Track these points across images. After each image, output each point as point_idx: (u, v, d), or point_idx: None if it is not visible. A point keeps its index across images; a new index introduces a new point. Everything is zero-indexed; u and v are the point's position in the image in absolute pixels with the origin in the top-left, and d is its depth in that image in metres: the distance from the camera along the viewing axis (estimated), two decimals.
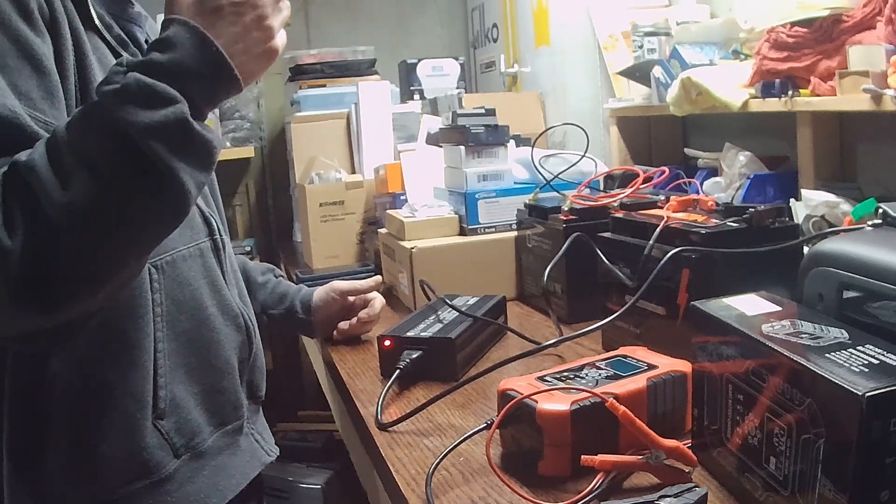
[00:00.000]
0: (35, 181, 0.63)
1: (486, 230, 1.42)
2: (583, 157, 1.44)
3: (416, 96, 2.36)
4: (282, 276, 1.26)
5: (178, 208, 0.68)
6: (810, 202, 1.22)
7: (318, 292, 1.22)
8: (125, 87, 0.65)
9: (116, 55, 0.82)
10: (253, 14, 0.72)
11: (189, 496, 0.84)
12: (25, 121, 0.68)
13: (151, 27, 0.94)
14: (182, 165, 0.66)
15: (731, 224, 0.92)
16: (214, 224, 0.92)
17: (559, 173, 1.40)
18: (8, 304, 0.64)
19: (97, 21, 0.80)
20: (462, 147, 1.43)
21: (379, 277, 1.27)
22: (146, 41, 0.90)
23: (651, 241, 0.95)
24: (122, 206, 0.65)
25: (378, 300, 1.24)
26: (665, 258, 0.90)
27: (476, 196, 1.42)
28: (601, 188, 1.46)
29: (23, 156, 0.65)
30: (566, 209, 1.27)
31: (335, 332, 1.23)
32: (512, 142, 1.55)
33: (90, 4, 0.79)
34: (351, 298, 1.23)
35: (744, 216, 0.92)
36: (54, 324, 0.70)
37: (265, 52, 0.74)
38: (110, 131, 0.64)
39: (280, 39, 0.76)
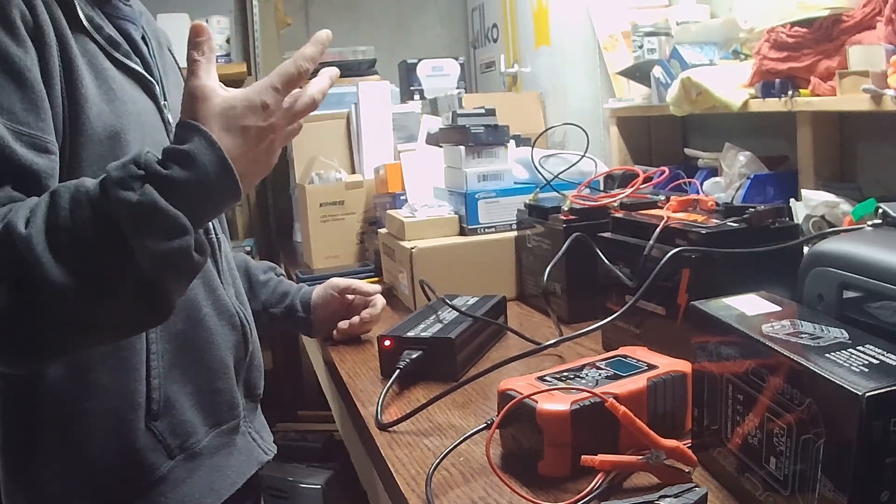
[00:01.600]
0: (28, 254, 0.62)
1: (486, 230, 1.42)
2: (583, 157, 1.44)
3: (416, 96, 2.36)
4: (283, 275, 1.26)
5: (161, 317, 0.70)
6: (810, 202, 1.22)
7: (317, 290, 1.22)
8: (141, 207, 0.64)
9: (109, 56, 0.81)
10: (270, 138, 0.74)
11: (184, 497, 0.84)
12: (4, 139, 0.68)
13: (149, 23, 0.94)
14: (176, 287, 0.69)
15: (731, 224, 0.92)
16: (210, 224, 0.91)
17: (559, 173, 1.40)
18: None
19: (86, 23, 0.79)
20: (462, 147, 1.42)
21: (379, 287, 1.26)
22: (142, 38, 0.90)
23: (651, 241, 0.95)
24: (108, 307, 0.66)
25: (379, 300, 1.24)
26: (665, 258, 0.90)
27: (476, 196, 1.42)
28: (601, 188, 1.46)
29: (20, 221, 0.64)
30: (566, 209, 1.27)
31: (335, 332, 1.23)
32: (512, 142, 1.55)
33: (77, 6, 0.78)
34: (350, 297, 1.23)
35: (744, 216, 0.92)
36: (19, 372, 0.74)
37: (264, 170, 0.76)
38: (117, 246, 0.64)
39: (276, 157, 0.78)
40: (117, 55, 0.82)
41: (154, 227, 0.64)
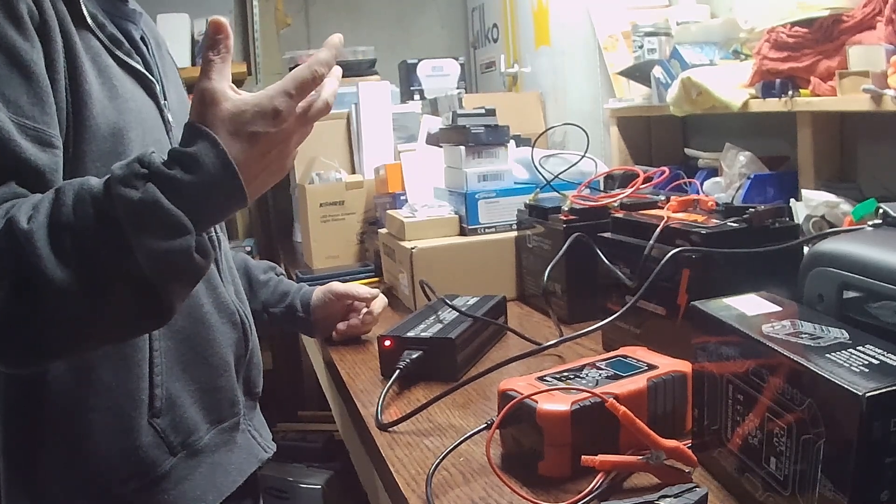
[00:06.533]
0: (30, 251, 0.62)
1: (487, 230, 1.42)
2: (583, 157, 1.44)
3: (417, 96, 2.36)
4: (283, 275, 1.26)
5: (161, 320, 0.69)
6: (810, 202, 1.22)
7: (317, 292, 1.22)
8: (143, 205, 0.64)
9: (111, 54, 0.81)
10: (282, 144, 0.72)
11: (186, 494, 0.84)
12: (8, 131, 0.68)
13: (147, 23, 0.94)
14: (176, 289, 0.67)
15: (731, 224, 0.92)
16: None
17: (559, 173, 1.40)
18: None
19: (90, 20, 0.79)
20: (462, 147, 1.43)
21: (377, 290, 1.26)
22: (141, 38, 0.90)
23: (651, 242, 0.95)
24: (108, 307, 0.65)
25: (380, 300, 1.24)
26: (665, 258, 0.90)
27: (476, 196, 1.42)
28: (601, 188, 1.46)
29: (22, 217, 0.64)
30: (566, 209, 1.27)
31: (333, 334, 1.23)
32: (512, 142, 1.55)
33: (82, 4, 0.78)
34: (349, 301, 1.23)
35: (744, 216, 0.92)
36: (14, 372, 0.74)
37: (276, 174, 0.75)
38: (117, 244, 0.64)
39: (291, 161, 0.76)
40: (119, 53, 0.82)
41: (154, 225, 0.64)
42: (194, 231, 0.66)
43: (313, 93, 0.74)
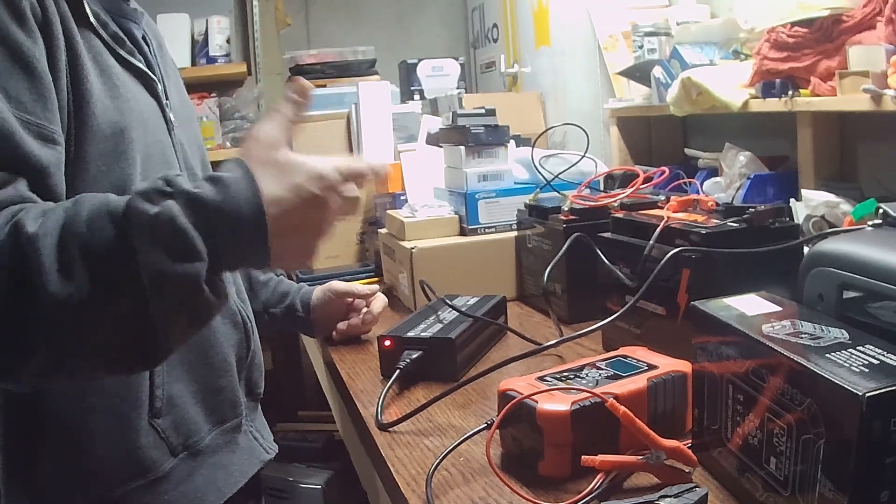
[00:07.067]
0: (35, 260, 0.59)
1: (487, 230, 1.42)
2: (583, 157, 1.44)
3: (417, 96, 2.36)
4: (283, 275, 1.26)
5: (146, 359, 0.63)
6: (810, 202, 1.21)
7: (316, 292, 1.22)
8: (158, 219, 0.60)
9: (113, 53, 0.81)
10: (320, 212, 0.68)
11: (186, 495, 0.84)
12: (11, 127, 0.66)
13: (148, 23, 0.94)
14: (175, 320, 0.61)
15: (731, 224, 0.92)
16: None
17: (559, 173, 1.40)
18: None
19: (92, 19, 0.79)
20: (462, 147, 1.43)
21: (376, 286, 1.26)
22: (143, 38, 0.90)
23: (651, 242, 0.95)
24: (99, 329, 0.60)
25: (380, 300, 1.24)
26: (665, 258, 0.90)
27: (476, 196, 1.42)
28: (601, 188, 1.46)
29: (30, 222, 0.60)
30: (566, 209, 1.27)
31: (333, 333, 1.23)
32: (512, 142, 1.55)
33: (85, 2, 0.78)
34: (349, 300, 1.23)
35: (744, 216, 0.92)
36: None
37: (308, 239, 0.70)
38: (124, 259, 0.59)
39: (325, 234, 0.71)
40: (122, 52, 0.82)
41: (166, 242, 0.59)
42: (207, 260, 0.61)
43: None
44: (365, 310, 1.23)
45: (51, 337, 0.60)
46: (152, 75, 0.87)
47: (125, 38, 0.84)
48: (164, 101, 0.89)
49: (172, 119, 0.89)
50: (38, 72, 0.71)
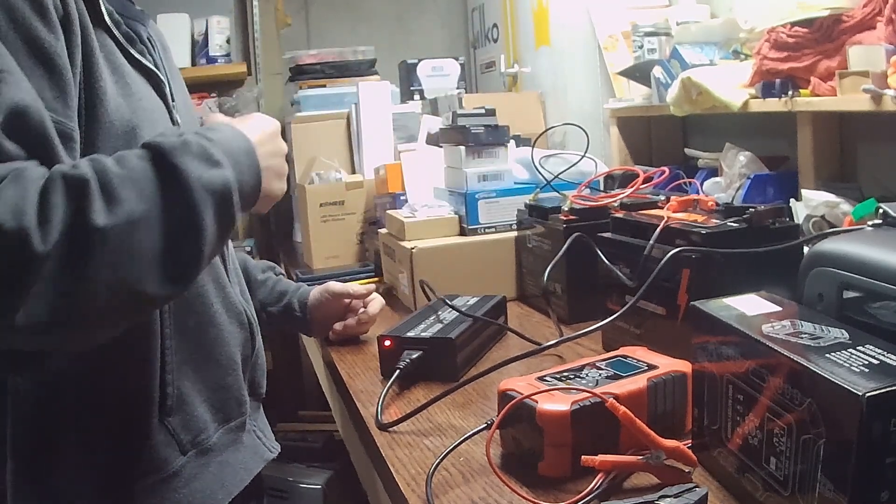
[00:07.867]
0: (85, 192, 0.63)
1: (486, 230, 1.42)
2: (583, 157, 1.44)
3: (416, 96, 2.36)
4: (282, 275, 1.26)
5: (188, 275, 0.70)
6: (810, 202, 1.21)
7: (314, 292, 1.22)
8: (185, 140, 0.71)
9: (124, 52, 0.82)
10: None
11: (196, 492, 0.84)
12: (40, 116, 0.67)
13: (151, 25, 0.94)
14: (213, 229, 0.69)
15: (731, 224, 0.92)
16: None
17: (559, 173, 1.40)
18: (9, 315, 0.60)
19: (107, 17, 0.79)
20: (462, 147, 1.43)
21: (373, 286, 1.26)
22: (148, 38, 0.90)
23: (651, 242, 0.95)
24: (152, 242, 0.66)
25: (376, 301, 1.24)
26: (665, 258, 0.90)
27: (476, 196, 1.42)
28: (601, 188, 1.46)
29: (66, 167, 0.64)
30: (566, 209, 1.27)
31: (330, 334, 1.23)
32: (512, 142, 1.55)
33: (101, 1, 0.79)
34: (346, 300, 1.23)
35: (744, 216, 0.92)
36: (42, 347, 0.70)
37: (279, 179, 0.83)
38: (166, 173, 0.68)
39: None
40: (133, 52, 0.82)
41: (197, 154, 0.70)
42: (232, 168, 0.72)
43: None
44: (362, 310, 1.23)
45: (114, 263, 0.63)
46: (160, 75, 0.87)
47: (136, 38, 0.84)
48: (171, 102, 0.89)
49: (178, 120, 0.90)
50: (58, 68, 0.71)
